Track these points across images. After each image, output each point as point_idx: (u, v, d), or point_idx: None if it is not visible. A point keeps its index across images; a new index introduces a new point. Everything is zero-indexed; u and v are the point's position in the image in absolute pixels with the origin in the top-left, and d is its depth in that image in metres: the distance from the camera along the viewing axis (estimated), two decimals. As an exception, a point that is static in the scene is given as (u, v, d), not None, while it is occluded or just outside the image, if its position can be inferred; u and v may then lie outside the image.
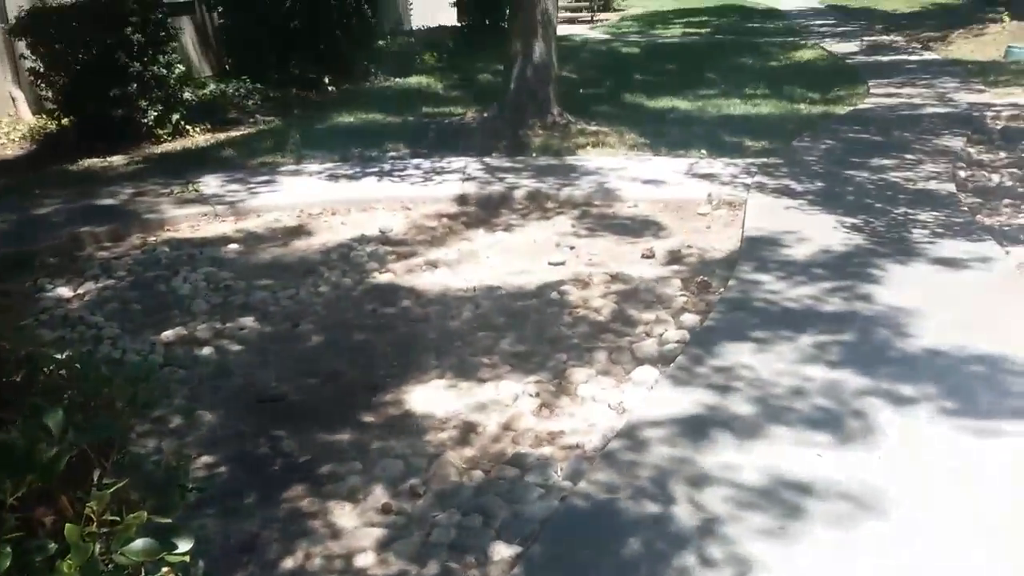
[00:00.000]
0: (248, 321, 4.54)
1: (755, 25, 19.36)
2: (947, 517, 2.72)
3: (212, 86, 10.72)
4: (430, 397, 3.71)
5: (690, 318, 4.39)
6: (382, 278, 5.15)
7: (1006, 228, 5.54)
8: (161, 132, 8.77)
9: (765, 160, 7.34)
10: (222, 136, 9.01)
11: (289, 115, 9.83)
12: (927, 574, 2.48)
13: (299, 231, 6.11)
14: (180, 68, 9.08)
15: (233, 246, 5.78)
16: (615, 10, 24.30)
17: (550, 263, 5.28)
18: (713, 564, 2.51)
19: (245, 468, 3.19)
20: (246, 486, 3.06)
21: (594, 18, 21.66)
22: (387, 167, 7.54)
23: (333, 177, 7.26)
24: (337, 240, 5.86)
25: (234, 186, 7.02)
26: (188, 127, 9.07)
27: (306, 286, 5.02)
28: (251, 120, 9.81)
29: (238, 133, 9.15)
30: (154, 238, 6.01)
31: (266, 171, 7.50)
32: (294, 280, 5.12)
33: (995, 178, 6.73)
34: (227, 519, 2.85)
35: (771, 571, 2.48)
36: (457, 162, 7.61)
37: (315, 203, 6.62)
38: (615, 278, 5.00)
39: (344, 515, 2.85)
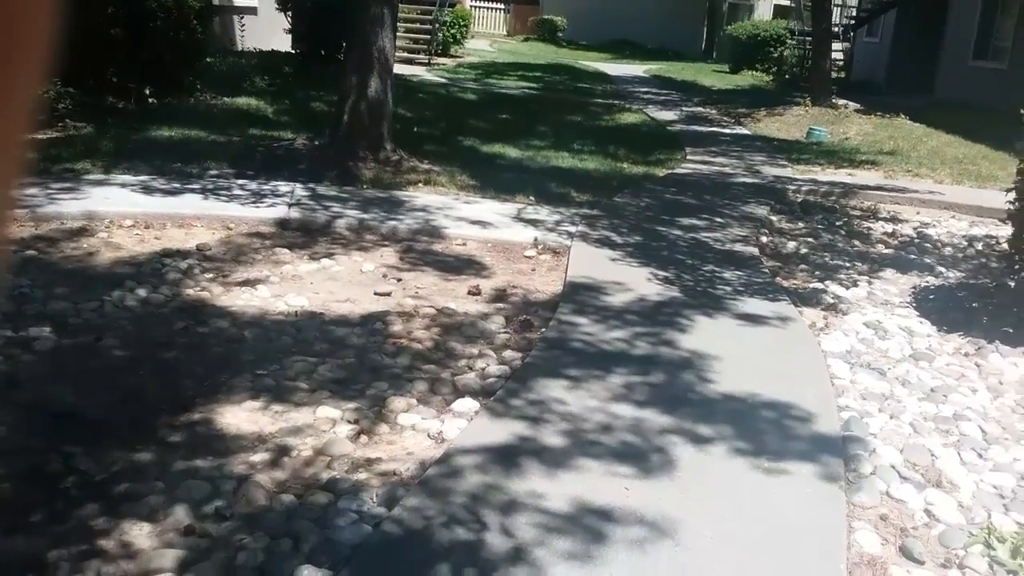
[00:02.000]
0: (45, 332, 4.20)
1: (584, 86, 20.23)
2: (737, 543, 2.89)
3: (20, 84, 9.96)
4: (242, 419, 3.56)
5: (511, 354, 4.47)
6: (197, 296, 4.92)
7: (800, 290, 6.01)
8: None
9: (589, 211, 7.64)
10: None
11: (103, 123, 9.28)
12: (721, 601, 2.61)
13: (108, 243, 5.74)
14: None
15: (31, 253, 5.36)
16: (453, 56, 24.72)
17: (376, 293, 5.23)
18: (523, 590, 2.53)
19: (34, 485, 2.93)
20: (34, 503, 2.80)
21: (431, 61, 21.93)
22: (209, 185, 7.25)
23: (148, 190, 6.89)
24: (149, 253, 5.55)
25: (34, 190, 6.51)
26: (-12, 124, 8.37)
27: (112, 299, 4.71)
28: (60, 125, 9.18)
29: (44, 137, 8.54)
30: (-61, 237, 5.47)
31: (71, 178, 7.02)
32: (99, 292, 4.80)
33: (792, 245, 7.31)
34: (11, 537, 2.60)
35: (578, 597, 2.53)
36: (284, 187, 7.44)
37: (127, 215, 6.25)
38: (440, 312, 5.02)
39: (142, 535, 2.67)
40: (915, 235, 7.99)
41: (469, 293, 5.42)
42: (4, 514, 2.71)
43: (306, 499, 2.99)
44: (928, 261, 7.11)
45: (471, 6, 41.56)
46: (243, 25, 16.87)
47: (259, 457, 3.27)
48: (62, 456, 3.12)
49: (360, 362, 4.23)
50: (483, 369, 4.25)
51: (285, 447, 3.36)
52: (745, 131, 14.35)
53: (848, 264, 6.83)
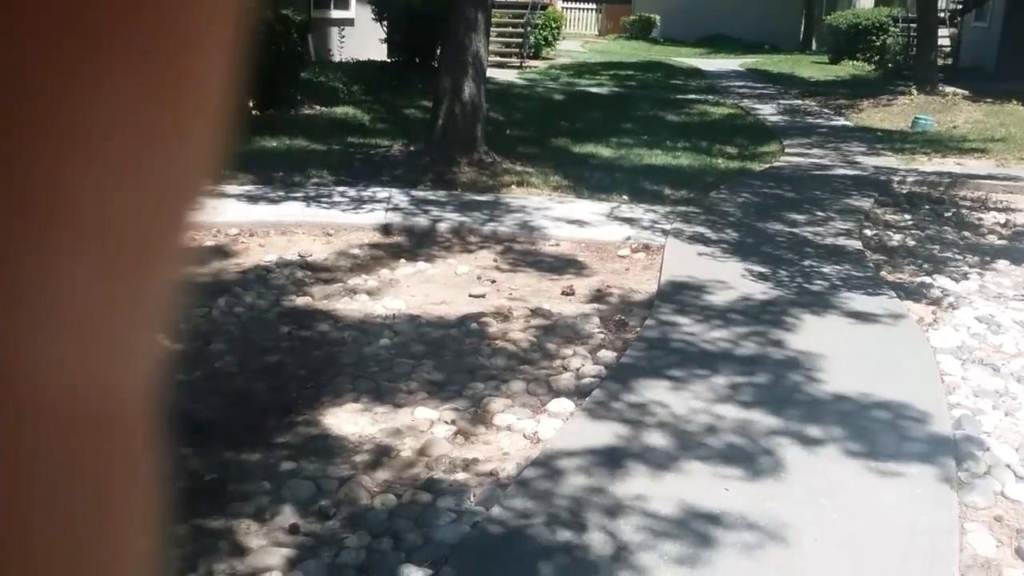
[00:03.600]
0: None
1: (678, 82, 19.97)
2: (845, 548, 2.81)
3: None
4: (344, 420, 3.65)
5: (607, 354, 4.45)
6: (299, 301, 5.08)
7: (907, 285, 5.80)
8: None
9: (684, 209, 7.54)
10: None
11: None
12: (828, 605, 2.54)
13: (214, 251, 5.98)
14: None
15: (146, 262, 5.61)
16: (544, 58, 24.77)
17: (471, 295, 5.29)
18: (622, 591, 2.52)
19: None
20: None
21: (523, 64, 22.03)
22: (310, 193, 7.47)
23: (252, 199, 7.14)
24: (254, 262, 5.75)
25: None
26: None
27: (219, 306, 4.90)
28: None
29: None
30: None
31: (185, 190, 7.32)
32: (207, 299, 5.00)
33: (898, 238, 7.05)
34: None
35: (679, 599, 2.51)
36: (382, 193, 7.60)
37: (232, 224, 6.50)
38: (535, 312, 5.03)
39: (250, 535, 2.77)
40: (1031, 224, 7.60)
41: (563, 293, 5.42)
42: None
43: (406, 499, 3.05)
44: (1047, 252, 6.75)
45: (562, 7, 41.53)
46: (343, 36, 17.31)
47: (361, 458, 3.35)
48: (173, 457, 3.27)
49: (456, 363, 4.29)
50: (578, 369, 4.25)
51: (386, 448, 3.43)
52: (846, 122, 13.91)
53: (958, 256, 6.54)
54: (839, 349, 4.49)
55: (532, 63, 22.83)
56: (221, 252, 5.96)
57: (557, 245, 6.50)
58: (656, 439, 3.46)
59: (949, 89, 16.56)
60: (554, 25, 25.72)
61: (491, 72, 12.44)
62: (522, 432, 3.61)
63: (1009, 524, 3.11)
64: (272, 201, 7.13)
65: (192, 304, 4.89)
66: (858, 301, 5.25)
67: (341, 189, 7.65)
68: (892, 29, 23.69)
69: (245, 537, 2.76)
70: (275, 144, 9.35)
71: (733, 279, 5.60)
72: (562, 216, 7.14)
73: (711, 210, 7.56)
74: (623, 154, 10.15)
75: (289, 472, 3.19)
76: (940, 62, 19.53)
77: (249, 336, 4.53)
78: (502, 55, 22.38)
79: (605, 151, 10.30)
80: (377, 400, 3.84)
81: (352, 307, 5.02)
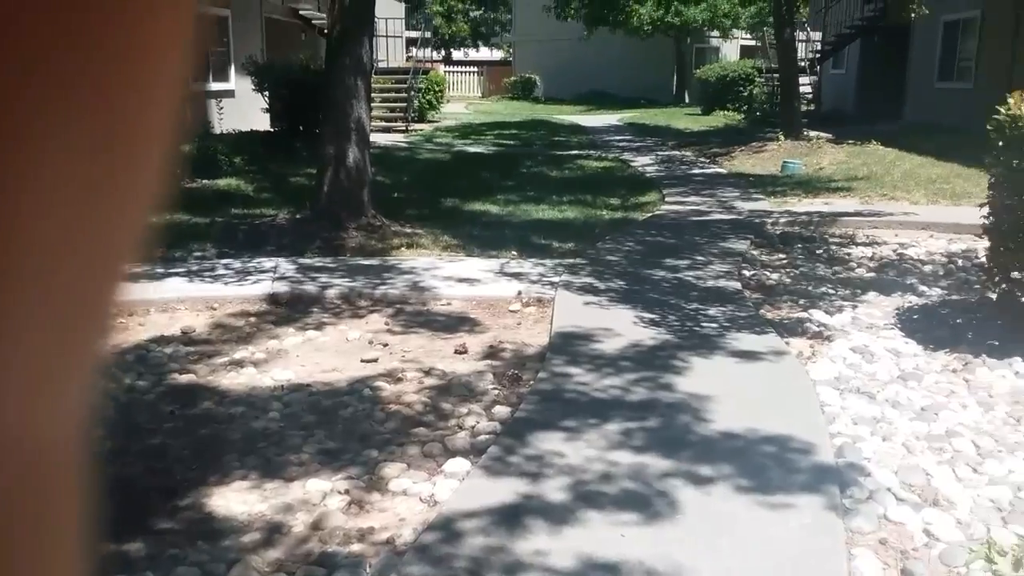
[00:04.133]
0: (30, 428, 4.17)
1: (561, 139, 20.50)
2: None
3: None
4: (232, 500, 3.52)
5: (502, 410, 4.46)
6: (183, 379, 4.91)
7: (785, 321, 6.03)
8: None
9: (572, 261, 7.69)
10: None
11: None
12: (725, 642, 2.57)
13: (93, 333, 5.74)
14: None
15: (16, 350, 5.34)
16: (430, 121, 25.05)
17: (363, 360, 5.23)
18: (523, 649, 2.49)
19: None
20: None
21: (409, 128, 22.21)
22: (193, 267, 7.29)
23: (130, 277, 6.89)
24: (133, 341, 5.55)
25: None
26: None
27: (96, 389, 4.69)
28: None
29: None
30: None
31: (58, 272, 7.04)
32: (85, 384, 4.78)
33: (774, 276, 7.35)
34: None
35: (580, 651, 2.49)
36: (268, 263, 7.47)
37: (112, 304, 6.26)
38: (428, 373, 5.01)
39: (131, 628, 2.63)
40: (895, 256, 8.05)
41: (456, 352, 5.42)
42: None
43: None
44: (910, 281, 7.15)
45: (445, 71, 42.30)
46: (221, 107, 17.11)
47: (251, 537, 3.23)
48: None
49: (349, 431, 4.21)
50: (473, 427, 4.24)
51: (277, 525, 3.33)
52: (721, 170, 14.52)
53: (831, 291, 6.86)
54: (725, 388, 4.62)
55: (417, 126, 23.06)
56: (99, 334, 5.72)
57: (449, 304, 6.51)
58: (553, 491, 3.47)
59: (814, 133, 17.54)
60: (437, 88, 26.11)
61: (377, 136, 12.50)
62: (418, 496, 3.56)
63: (893, 546, 3.23)
64: (151, 278, 6.91)
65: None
66: (741, 340, 5.43)
67: (225, 261, 7.50)
68: (757, 79, 25.02)
69: (127, 633, 2.62)
70: (153, 219, 9.08)
71: (622, 326, 5.71)
72: (452, 275, 7.17)
73: (598, 261, 7.73)
74: (510, 211, 10.31)
75: (174, 559, 3.05)
76: (803, 108, 20.69)
77: (129, 419, 4.35)
78: (387, 119, 22.53)
79: (493, 208, 10.44)
80: (267, 476, 3.73)
81: (239, 381, 4.88)
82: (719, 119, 25.14)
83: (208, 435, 4.15)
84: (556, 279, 7.00)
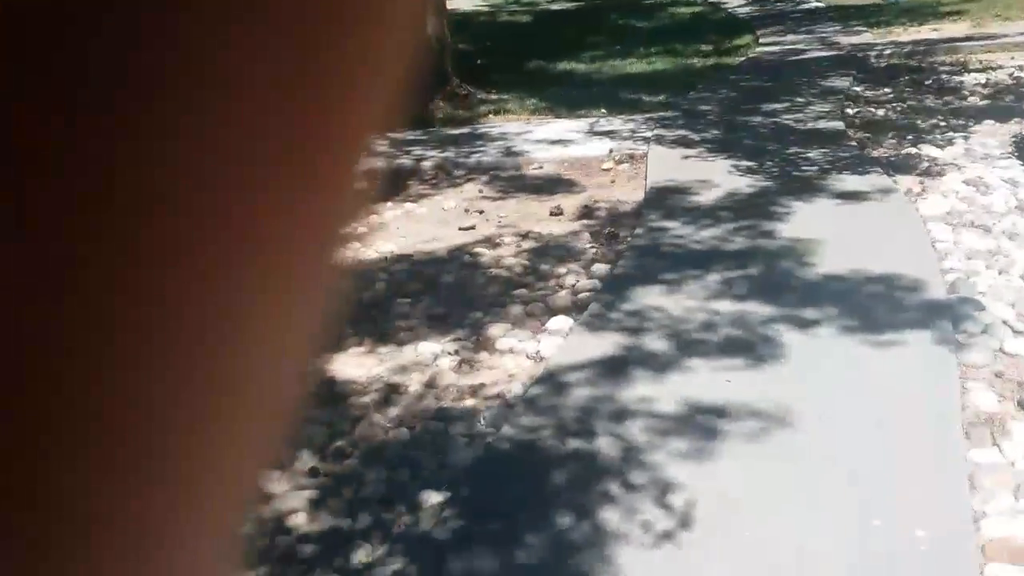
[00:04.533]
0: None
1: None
2: (848, 422, 2.88)
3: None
4: (350, 364, 3.71)
5: (600, 268, 4.48)
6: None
7: (892, 159, 5.79)
8: None
9: (663, 114, 7.49)
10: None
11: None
12: (833, 473, 2.62)
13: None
14: None
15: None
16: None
17: (460, 228, 5.30)
18: (636, 489, 2.60)
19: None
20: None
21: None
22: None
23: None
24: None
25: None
26: None
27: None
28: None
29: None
30: None
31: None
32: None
33: (880, 113, 7.01)
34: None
35: (691, 489, 2.58)
36: (360, 139, 7.54)
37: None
38: (525, 236, 5.05)
39: (272, 481, 2.84)
40: (1011, 81, 7.54)
41: (551, 214, 5.43)
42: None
43: (419, 430, 3.12)
44: (1029, 106, 6.71)
45: (519, -75, 40.31)
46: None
47: (371, 398, 3.41)
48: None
49: (453, 296, 4.33)
50: (573, 285, 4.29)
51: (394, 385, 3.50)
52: (818, 3, 13.67)
53: (941, 123, 6.51)
54: (829, 231, 4.51)
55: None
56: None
57: (541, 167, 6.48)
58: (655, 342, 3.52)
59: (920, -45, 16.21)
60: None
61: (454, 3, 12.23)
62: (524, 353, 3.67)
63: (1010, 378, 3.18)
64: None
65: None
66: (845, 181, 5.25)
67: (319, 141, 7.59)
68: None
69: (267, 485, 2.84)
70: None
71: (718, 177, 5.59)
72: (543, 138, 7.10)
73: (690, 111, 7.51)
74: (597, 67, 10.03)
75: (301, 419, 3.26)
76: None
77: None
78: (464, -17, 21.88)
79: (579, 67, 10.17)
80: (380, 341, 3.89)
81: (344, 255, 5.03)
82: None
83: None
84: (648, 134, 6.85)
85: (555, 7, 17.12)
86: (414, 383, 3.50)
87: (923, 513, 2.41)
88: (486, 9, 17.57)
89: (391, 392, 3.43)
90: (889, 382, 3.11)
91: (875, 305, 3.68)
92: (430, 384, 3.47)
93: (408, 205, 5.89)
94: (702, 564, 2.27)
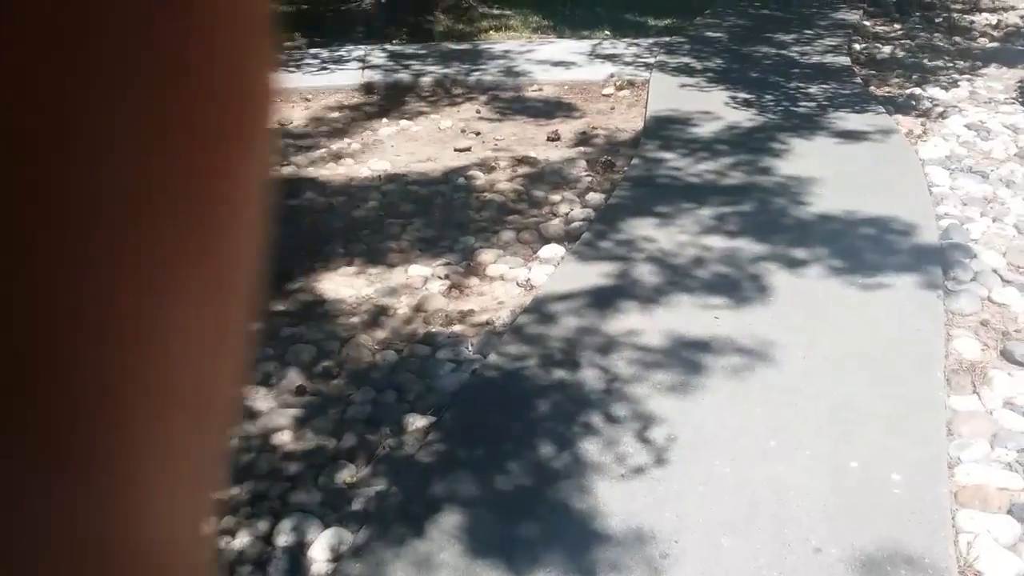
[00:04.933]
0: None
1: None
2: (832, 362, 2.91)
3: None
4: (340, 284, 3.71)
5: (595, 197, 4.46)
6: (283, 171, 5.04)
7: (896, 98, 5.71)
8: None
9: (668, 39, 7.35)
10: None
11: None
12: (814, 412, 2.66)
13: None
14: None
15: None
16: None
17: (456, 149, 5.24)
18: (617, 421, 2.63)
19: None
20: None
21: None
22: (283, 57, 7.27)
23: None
24: (235, 135, 5.68)
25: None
26: None
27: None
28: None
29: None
30: None
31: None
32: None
33: (887, 49, 6.89)
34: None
35: (672, 423, 2.62)
36: (358, 50, 7.40)
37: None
38: (521, 161, 5.00)
39: (258, 398, 2.87)
40: (1022, 23, 7.40)
41: (549, 139, 5.37)
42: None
43: (406, 353, 3.14)
44: (1039, 51, 6.61)
45: None
46: None
47: (359, 318, 3.42)
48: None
49: (446, 219, 4.31)
50: (567, 214, 4.27)
51: (383, 307, 3.50)
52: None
53: (948, 64, 6.41)
54: (827, 170, 4.48)
55: None
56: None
57: (540, 90, 6.38)
58: (645, 275, 3.52)
59: None
60: None
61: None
62: (515, 280, 3.67)
63: (995, 327, 3.20)
64: (246, 70, 6.94)
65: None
66: (846, 119, 5.20)
67: (314, 51, 7.44)
68: None
69: (253, 401, 2.86)
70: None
71: (719, 109, 5.52)
72: (544, 58, 6.97)
73: (696, 38, 7.36)
74: (603, -14, 9.79)
75: (290, 337, 3.27)
76: None
77: (238, 210, 4.53)
78: None
79: (584, -15, 9.92)
80: (370, 262, 3.88)
81: (338, 172, 4.99)
82: None
83: (312, 224, 4.31)
84: (651, 59, 6.73)
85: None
86: (403, 306, 3.50)
87: (900, 457, 2.45)
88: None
89: (380, 314, 3.44)
90: (875, 325, 3.13)
91: (867, 247, 3.68)
92: (419, 308, 3.47)
93: (404, 122, 5.81)
94: (679, 497, 2.32)
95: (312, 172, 4.99)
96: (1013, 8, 7.96)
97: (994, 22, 7.51)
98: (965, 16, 7.79)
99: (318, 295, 3.61)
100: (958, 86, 5.86)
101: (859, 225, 3.88)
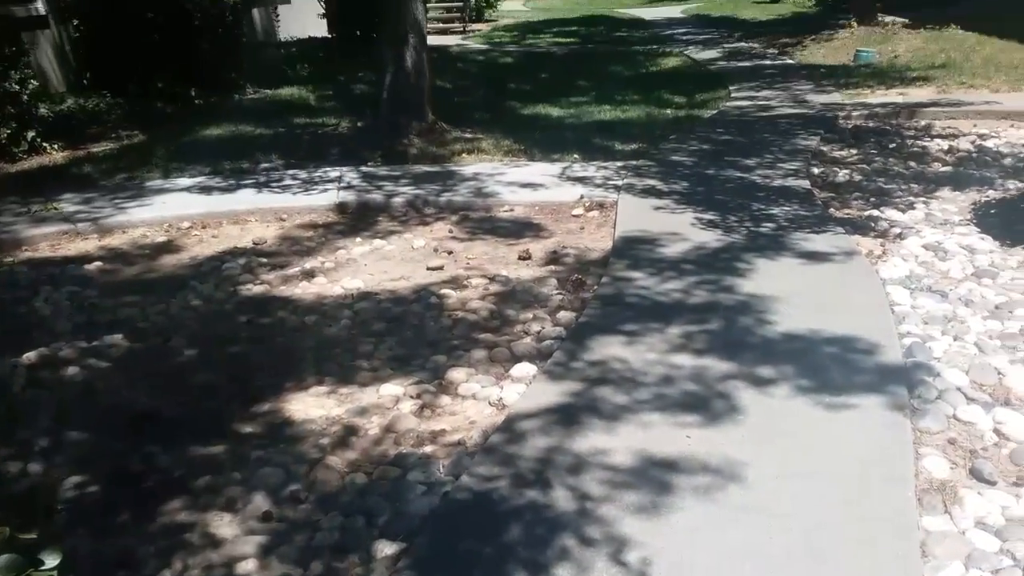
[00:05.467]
0: (116, 338, 4.38)
1: (622, 34, 19.92)
2: (804, 479, 2.90)
3: (70, 101, 10.28)
4: (310, 404, 3.68)
5: (566, 315, 4.51)
6: (257, 290, 5.07)
7: (855, 220, 5.90)
8: (16, 150, 8.36)
9: (635, 162, 7.59)
10: (82, 153, 8.65)
11: (154, 129, 9.51)
12: (787, 534, 2.64)
13: (169, 246, 5.94)
14: (34, 84, 8.70)
15: (97, 264, 5.58)
16: (487, 21, 24.56)
17: (429, 268, 5.31)
18: (591, 544, 2.59)
19: (118, 486, 3.09)
20: (120, 503, 2.96)
21: (466, 28, 21.84)
22: (261, 179, 7.41)
23: (204, 190, 7.08)
24: (209, 253, 5.72)
25: (97, 203, 6.76)
26: (45, 144, 8.65)
27: (177, 301, 4.89)
28: (113, 135, 9.45)
29: (100, 149, 8.81)
30: (11, 258, 5.73)
31: (132, 187, 7.26)
32: (164, 295, 4.98)
33: (845, 173, 7.16)
34: (101, 536, 2.76)
35: (646, 546, 2.58)
36: (333, 172, 7.56)
37: (185, 217, 6.45)
38: (493, 280, 5.07)
39: (223, 525, 2.80)
40: (973, 149, 7.75)
41: (520, 258, 5.46)
42: (93, 516, 2.87)
43: (376, 476, 3.10)
44: (988, 174, 6.90)
45: (501, -33, 41.00)
46: (277, 16, 17.04)
47: (328, 440, 3.39)
48: (143, 456, 3.28)
49: (418, 338, 4.32)
50: (539, 332, 4.30)
51: (353, 427, 3.47)
52: (790, 61, 13.99)
53: (904, 187, 6.66)
54: (790, 289, 4.58)
55: (475, 27, 22.66)
56: (174, 247, 5.92)
57: (512, 210, 6.53)
58: (616, 394, 3.54)
59: (888, 19, 16.69)
60: (494, -14, 25.47)
61: (435, 39, 12.34)
62: (487, 399, 3.66)
63: (962, 446, 3.22)
64: (222, 190, 7.07)
65: (149, 302, 4.87)
66: (808, 240, 5.34)
67: (292, 172, 7.60)
68: (830, -37, 23.72)
69: (218, 528, 2.80)
70: (221, 132, 9.23)
71: (686, 229, 5.67)
72: (515, 180, 7.15)
73: (662, 161, 7.61)
74: (573, 112, 10.16)
75: (258, 460, 3.22)
76: (879, -8, 19.62)
77: (209, 329, 4.53)
78: (444, 21, 22.16)
79: (554, 111, 10.29)
80: (341, 381, 3.87)
81: (311, 290, 5.02)
82: (788, 7, 24.07)
83: (284, 343, 4.31)
84: (619, 182, 6.94)
85: (532, 49, 17.34)
86: (374, 426, 3.48)
87: (873, 580, 2.43)
88: (463, 46, 17.74)
89: (350, 435, 3.41)
90: (844, 444, 3.14)
91: (833, 365, 3.73)
92: (390, 428, 3.45)
93: (377, 241, 5.89)
94: (653, 625, 2.27)
95: (285, 291, 5.02)
96: (963, 134, 8.34)
97: (946, 147, 7.85)
98: (918, 141, 8.14)
99: (287, 416, 3.58)
100: (914, 208, 6.07)
101: (825, 344, 3.94)
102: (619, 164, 7.55)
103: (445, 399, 3.69)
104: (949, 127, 8.70)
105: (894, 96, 10.13)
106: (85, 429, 3.51)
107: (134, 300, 4.92)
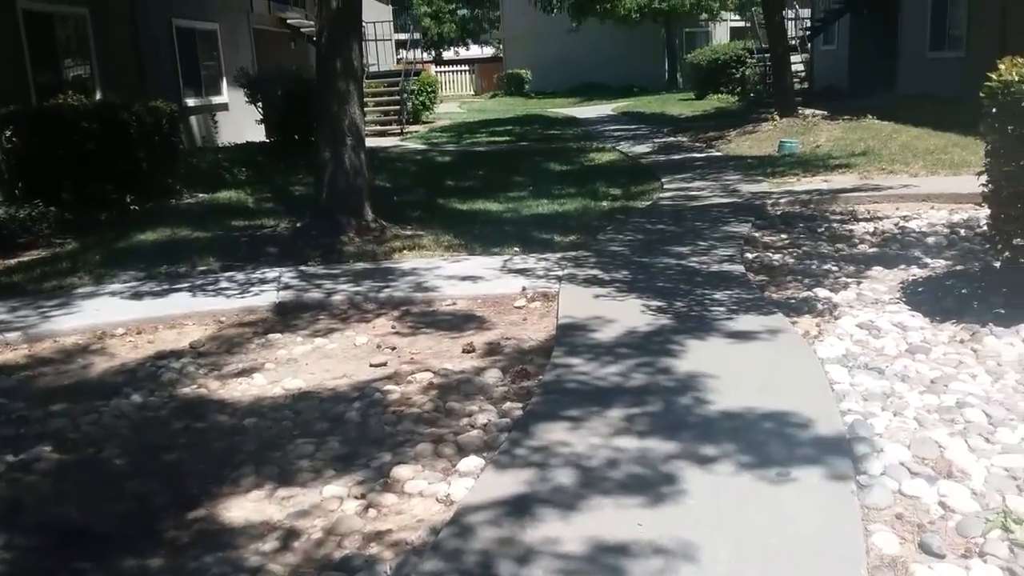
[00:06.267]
0: (45, 451, 4.20)
1: (556, 132, 20.49)
2: (756, 560, 2.87)
3: (0, 212, 10.10)
4: (249, 510, 3.55)
5: (512, 405, 4.48)
6: (194, 394, 4.94)
7: (790, 301, 6.04)
8: (-58, 261, 8.15)
9: (574, 253, 7.70)
10: (12, 262, 8.46)
11: (87, 237, 9.37)
12: (745, 623, 2.59)
13: (101, 353, 5.77)
14: (-38, 193, 8.56)
15: (26, 374, 5.39)
16: (424, 122, 25.07)
17: (371, 365, 5.25)
18: (545, 641, 2.51)
19: (42, 607, 2.91)
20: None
21: (404, 130, 22.23)
22: (198, 282, 7.31)
23: (137, 295, 6.95)
24: (142, 359, 5.58)
25: (25, 312, 6.57)
26: (-27, 254, 8.45)
27: (110, 409, 4.72)
28: (44, 244, 9.28)
29: (30, 258, 8.63)
30: (-66, 372, 5.51)
31: (62, 295, 7.09)
32: (96, 404, 4.81)
33: (777, 257, 7.35)
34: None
35: (601, 640, 2.51)
36: (272, 273, 7.50)
37: (119, 324, 6.30)
38: (437, 374, 5.03)
39: (156, 642, 2.65)
40: (897, 230, 8.05)
41: (464, 351, 5.44)
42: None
43: (320, 580, 2.97)
44: (913, 254, 7.15)
45: (436, 71, 42.30)
46: (215, 122, 17.15)
47: (269, 545, 3.26)
48: (72, 574, 3.11)
49: (362, 436, 4.23)
50: (485, 424, 4.25)
51: (295, 531, 3.35)
52: (717, 153, 14.51)
53: (835, 268, 6.86)
54: (731, 370, 4.63)
55: (413, 128, 23.09)
56: (107, 353, 5.76)
57: (454, 304, 6.53)
58: (564, 481, 3.49)
59: (808, 111, 17.51)
60: (430, 89, 26.13)
61: (373, 141, 12.53)
62: (434, 496, 3.58)
63: (910, 520, 3.23)
64: (158, 295, 6.95)
65: (80, 411, 4.70)
66: (745, 322, 5.43)
67: (229, 274, 7.52)
68: (749, 60, 24.98)
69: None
70: (156, 236, 9.14)
71: (626, 316, 5.72)
72: (456, 274, 7.18)
73: (601, 251, 7.74)
74: (511, 207, 10.33)
75: (195, 572, 3.08)
76: (797, 86, 20.63)
77: (143, 436, 4.37)
78: (382, 123, 22.55)
79: (493, 206, 10.45)
80: (282, 483, 3.75)
81: (250, 392, 4.91)
82: (713, 103, 25.12)
83: (222, 447, 4.18)
84: (560, 272, 7.01)
85: (469, 148, 17.71)
86: (316, 529, 3.36)
87: (833, 662, 2.38)
88: (401, 147, 18.03)
89: (291, 539, 3.28)
90: (793, 523, 3.13)
91: (778, 444, 3.74)
92: (333, 531, 3.33)
93: (319, 340, 5.82)
94: None
95: (223, 394, 4.90)
96: (887, 217, 8.67)
97: (871, 230, 8.14)
98: (844, 225, 8.44)
99: (225, 523, 3.44)
100: (846, 288, 6.24)
101: (766, 422, 3.96)
102: (559, 255, 7.65)
103: (391, 497, 3.59)
104: (873, 210, 9.05)
105: (819, 183, 10.53)
106: (10, 548, 3.32)
107: (64, 410, 4.74)
